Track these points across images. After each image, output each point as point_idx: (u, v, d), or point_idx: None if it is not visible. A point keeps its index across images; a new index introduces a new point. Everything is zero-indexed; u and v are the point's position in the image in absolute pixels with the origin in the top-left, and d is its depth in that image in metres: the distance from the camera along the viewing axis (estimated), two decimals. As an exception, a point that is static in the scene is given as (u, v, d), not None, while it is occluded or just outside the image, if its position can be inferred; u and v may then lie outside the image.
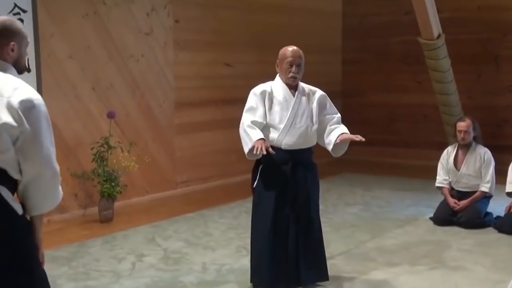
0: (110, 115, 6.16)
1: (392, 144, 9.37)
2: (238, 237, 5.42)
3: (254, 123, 4.01)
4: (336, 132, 4.19)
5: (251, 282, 4.17)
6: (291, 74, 4.07)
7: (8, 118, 2.37)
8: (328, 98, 4.30)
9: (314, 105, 4.18)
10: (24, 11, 5.63)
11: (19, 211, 2.45)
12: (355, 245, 5.21)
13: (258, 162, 4.14)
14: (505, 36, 8.52)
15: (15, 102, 2.41)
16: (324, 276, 4.21)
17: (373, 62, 9.49)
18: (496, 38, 8.57)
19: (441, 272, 4.53)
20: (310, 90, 4.24)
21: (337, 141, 4.16)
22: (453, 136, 6.27)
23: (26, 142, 2.39)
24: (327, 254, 4.39)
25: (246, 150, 3.98)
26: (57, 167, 2.47)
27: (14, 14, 5.54)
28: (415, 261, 4.77)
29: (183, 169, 7.35)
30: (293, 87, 4.14)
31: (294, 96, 4.12)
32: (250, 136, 3.93)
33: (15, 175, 2.40)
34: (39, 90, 5.78)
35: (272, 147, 4.01)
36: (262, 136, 3.94)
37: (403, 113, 9.34)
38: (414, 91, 9.17)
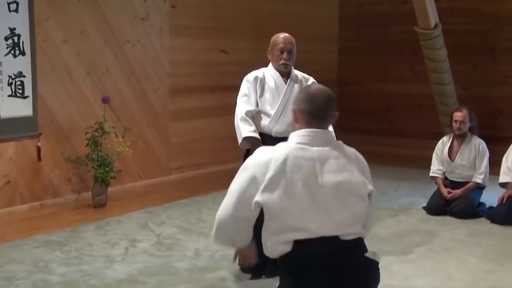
0: (105, 100, 6.14)
1: (388, 133, 9.37)
2: (231, 224, 5.42)
3: (247, 113, 4.07)
4: None
5: (238, 265, 4.20)
6: (282, 61, 4.09)
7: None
8: None
9: None
10: (19, -6, 5.60)
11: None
12: (348, 234, 5.22)
13: (249, 149, 4.15)
14: (502, 27, 8.50)
15: None
16: None
17: (369, 51, 9.46)
18: (493, 29, 8.56)
19: (434, 261, 4.54)
20: (303, 77, 4.24)
21: None
22: (448, 126, 6.28)
23: None
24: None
25: (239, 140, 4.08)
26: None
27: (9, -3, 5.51)
28: (407, 250, 4.79)
29: (177, 155, 7.34)
30: (285, 74, 4.15)
31: (286, 83, 4.13)
32: (240, 130, 4.04)
33: None
34: (34, 73, 5.77)
35: (263, 133, 4.03)
36: (253, 132, 4.01)
37: (399, 102, 9.34)
38: (410, 81, 9.16)
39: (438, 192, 5.91)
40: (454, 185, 5.89)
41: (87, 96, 6.31)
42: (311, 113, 2.55)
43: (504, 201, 5.59)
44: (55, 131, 6.05)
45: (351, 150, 2.64)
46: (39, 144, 5.88)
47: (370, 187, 2.56)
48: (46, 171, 5.97)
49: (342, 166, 2.52)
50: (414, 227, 5.47)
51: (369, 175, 2.65)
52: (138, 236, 5.09)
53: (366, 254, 2.56)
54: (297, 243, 2.43)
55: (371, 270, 2.55)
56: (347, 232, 2.47)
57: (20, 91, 5.68)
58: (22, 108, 5.71)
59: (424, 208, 5.95)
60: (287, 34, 4.14)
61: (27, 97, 5.74)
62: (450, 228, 5.41)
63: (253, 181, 2.48)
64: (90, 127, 6.00)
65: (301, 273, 2.43)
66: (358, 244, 2.52)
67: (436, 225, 5.51)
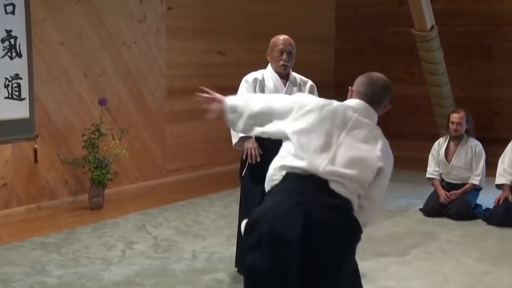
0: (102, 102, 6.14)
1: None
2: (228, 225, 5.42)
3: None
4: None
5: (235, 267, 4.20)
6: (281, 62, 4.07)
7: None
8: (316, 90, 4.30)
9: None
10: (16, -4, 5.59)
11: None
12: (345, 235, 5.22)
13: (245, 160, 4.14)
14: (499, 29, 8.52)
15: None
16: None
17: (366, 52, 9.47)
18: (489, 31, 8.58)
19: (430, 262, 4.55)
20: (302, 80, 4.24)
21: None
22: (445, 128, 6.29)
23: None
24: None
25: (233, 141, 4.07)
26: None
27: (6, -1, 5.51)
28: (404, 251, 4.79)
29: (174, 157, 7.34)
30: (284, 76, 4.14)
31: (285, 85, 4.12)
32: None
33: None
34: (30, 75, 5.76)
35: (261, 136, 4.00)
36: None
37: (396, 104, 9.13)
38: (407, 83, 9.16)
39: (434, 194, 5.92)
40: (450, 187, 5.90)
41: (83, 98, 6.30)
42: (367, 95, 2.73)
43: (500, 202, 5.60)
44: (51, 133, 6.05)
45: (385, 141, 2.76)
46: (36, 146, 5.88)
47: (380, 163, 2.64)
48: (43, 173, 5.97)
49: (368, 139, 2.64)
50: (411, 228, 5.48)
51: (389, 160, 2.77)
52: (135, 238, 5.09)
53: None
54: (287, 175, 2.51)
55: (348, 227, 2.53)
56: (341, 182, 2.50)
57: (16, 93, 5.67)
58: (18, 110, 5.71)
59: (420, 209, 5.96)
60: (286, 36, 4.14)
61: (23, 99, 5.73)
62: (447, 229, 5.42)
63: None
64: (87, 129, 6.00)
65: (282, 202, 2.45)
66: (346, 204, 2.51)
67: (432, 227, 5.52)
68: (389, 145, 2.78)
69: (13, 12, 5.57)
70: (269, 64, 4.20)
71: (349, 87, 2.81)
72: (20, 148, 5.79)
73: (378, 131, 2.76)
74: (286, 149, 2.59)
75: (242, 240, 4.13)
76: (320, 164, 2.49)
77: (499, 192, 5.71)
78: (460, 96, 8.29)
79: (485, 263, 4.55)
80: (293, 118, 2.60)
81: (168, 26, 7.11)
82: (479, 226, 5.52)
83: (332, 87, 9.69)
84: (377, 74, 2.85)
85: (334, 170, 2.49)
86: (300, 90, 4.16)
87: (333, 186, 2.48)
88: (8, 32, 5.56)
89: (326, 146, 2.53)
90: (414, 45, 7.83)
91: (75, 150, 6.11)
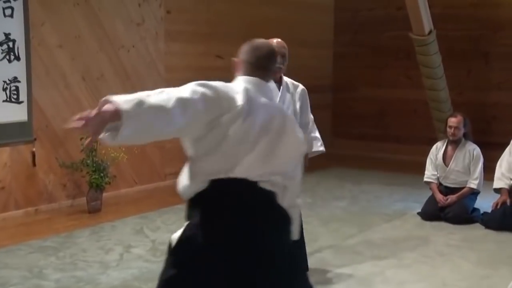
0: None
1: (382, 138, 9.39)
2: (226, 229, 5.41)
3: None
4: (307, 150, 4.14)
5: None
6: (276, 65, 4.04)
7: None
8: (307, 94, 4.27)
9: (297, 101, 4.17)
10: (15, -1, 5.60)
11: None
12: (343, 239, 5.22)
13: None
14: (496, 33, 8.54)
15: None
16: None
17: (364, 56, 9.49)
18: (487, 35, 8.60)
19: (428, 266, 4.55)
20: (293, 84, 4.20)
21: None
22: (443, 132, 6.30)
23: None
24: (315, 248, 4.37)
25: None
26: None
27: (5, 2, 5.50)
28: (402, 255, 4.80)
29: (172, 161, 7.32)
30: (277, 80, 4.11)
31: (279, 90, 4.09)
32: None
33: None
34: (29, 78, 5.76)
35: None
36: None
37: (394, 108, 9.36)
38: (405, 87, 9.19)
39: (432, 198, 5.92)
40: (448, 190, 5.90)
41: (82, 101, 6.30)
42: (251, 63, 2.60)
43: (498, 206, 5.61)
44: (50, 137, 6.04)
45: (292, 117, 2.69)
46: (34, 149, 5.87)
47: (304, 147, 2.61)
48: (41, 177, 5.96)
49: (282, 125, 2.50)
50: (409, 232, 5.48)
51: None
52: (133, 241, 5.08)
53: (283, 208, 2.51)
54: (215, 181, 2.39)
55: (281, 222, 2.50)
56: (267, 180, 2.43)
57: (15, 96, 5.67)
58: (17, 113, 5.70)
59: (418, 213, 5.96)
60: (279, 39, 4.12)
61: (22, 102, 5.73)
62: (445, 233, 5.42)
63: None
64: (85, 132, 5.98)
65: (213, 212, 2.39)
66: (274, 197, 2.46)
67: (430, 231, 5.52)
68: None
69: (11, 15, 5.57)
70: None
71: (232, 59, 2.68)
72: (18, 152, 5.79)
73: (281, 110, 2.64)
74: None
75: None
76: (249, 168, 2.40)
77: (497, 196, 5.72)
78: (458, 100, 8.30)
79: (483, 266, 4.55)
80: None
81: (166, 30, 7.12)
82: (477, 230, 5.52)
83: (330, 91, 9.72)
84: (260, 40, 2.72)
85: (262, 173, 2.42)
86: (292, 96, 4.14)
87: (262, 185, 2.42)
88: (7, 35, 5.56)
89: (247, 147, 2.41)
90: (412, 49, 7.85)
91: (73, 154, 6.11)
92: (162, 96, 2.38)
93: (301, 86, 4.24)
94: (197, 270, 2.38)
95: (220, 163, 2.41)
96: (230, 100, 2.40)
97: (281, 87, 4.11)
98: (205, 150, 2.43)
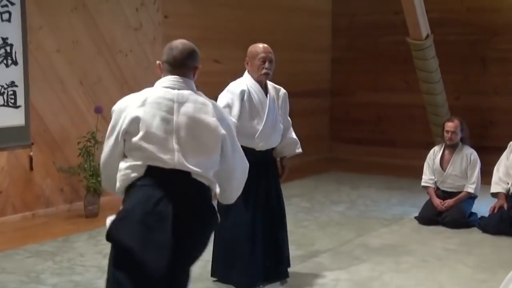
0: (98, 110, 6.14)
1: (380, 143, 9.40)
2: (224, 233, 5.41)
3: None
4: (287, 152, 4.29)
5: (211, 276, 4.23)
6: (264, 71, 4.04)
7: None
8: (288, 97, 4.34)
9: (280, 105, 4.21)
10: (12, 4, 5.59)
11: None
12: (341, 243, 5.22)
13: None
14: (493, 38, 8.57)
15: None
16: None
17: (362, 61, 9.50)
18: (484, 40, 8.62)
19: (426, 271, 4.56)
20: (275, 88, 4.24)
21: (282, 163, 4.32)
22: (440, 136, 6.31)
23: None
24: (312, 252, 4.37)
25: None
26: None
27: (2, 7, 5.51)
28: (400, 259, 4.80)
29: (170, 165, 7.32)
30: (263, 85, 4.12)
31: (266, 96, 4.11)
32: None
33: None
34: (26, 83, 5.77)
35: (245, 147, 3.95)
36: None
37: (391, 112, 9.37)
38: (402, 91, 9.20)
39: (430, 202, 5.93)
40: (446, 195, 5.91)
41: (79, 106, 6.30)
42: (169, 63, 2.87)
43: (495, 211, 5.61)
44: (47, 141, 6.04)
45: (212, 102, 2.92)
46: (31, 153, 5.87)
47: (222, 131, 2.79)
48: (38, 181, 5.96)
49: (198, 108, 2.77)
50: (406, 236, 5.48)
51: (227, 121, 2.91)
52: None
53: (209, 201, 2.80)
54: (149, 169, 2.70)
55: (208, 213, 2.79)
56: (195, 171, 2.70)
57: (12, 101, 5.67)
58: (14, 118, 5.70)
59: (416, 218, 5.96)
60: (265, 44, 4.12)
61: (19, 106, 5.73)
62: (442, 237, 5.43)
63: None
64: (83, 136, 5.99)
65: (146, 200, 2.66)
66: (203, 188, 2.76)
67: (428, 235, 5.52)
68: (216, 104, 2.99)
69: (9, 20, 5.58)
70: (246, 73, 4.15)
71: (157, 62, 2.96)
72: (16, 156, 5.78)
73: (201, 96, 2.89)
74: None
75: (217, 248, 4.14)
76: (171, 159, 2.68)
77: (494, 200, 5.73)
78: (455, 104, 8.32)
79: (481, 271, 4.55)
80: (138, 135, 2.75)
81: (164, 34, 7.12)
82: (474, 234, 5.53)
83: (328, 96, 9.72)
84: (177, 41, 2.94)
85: (184, 165, 2.69)
86: (276, 99, 4.18)
87: (193, 176, 2.71)
88: (4, 39, 5.56)
89: (166, 140, 2.69)
90: (410, 53, 7.87)
91: (71, 158, 6.10)
92: None
93: (283, 90, 4.28)
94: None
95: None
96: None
97: (268, 93, 4.13)
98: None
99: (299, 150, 4.38)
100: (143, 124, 2.71)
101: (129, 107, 2.80)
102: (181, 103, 2.75)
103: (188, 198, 2.71)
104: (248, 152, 3.86)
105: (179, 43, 2.90)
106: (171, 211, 2.63)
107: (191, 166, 2.69)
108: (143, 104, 2.76)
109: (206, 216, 2.79)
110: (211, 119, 2.77)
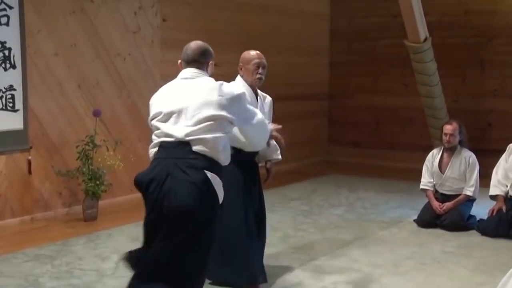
0: (96, 114, 6.14)
1: (378, 146, 9.41)
2: (223, 237, 5.40)
3: None
4: (269, 157, 4.34)
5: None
6: (258, 76, 4.18)
7: None
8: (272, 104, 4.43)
9: (267, 111, 4.29)
10: (11, 7, 5.59)
11: None
12: (339, 246, 5.22)
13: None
14: (491, 41, 8.58)
15: None
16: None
17: (360, 64, 9.52)
18: (482, 43, 8.64)
19: (425, 274, 4.55)
20: (262, 94, 4.36)
21: (266, 165, 4.36)
22: (438, 139, 6.31)
23: None
24: (311, 255, 4.36)
25: None
26: None
27: (1, 10, 5.51)
28: (398, 262, 4.79)
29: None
30: (254, 90, 4.24)
31: (257, 99, 4.22)
32: None
33: None
34: (24, 87, 5.76)
35: (237, 149, 3.94)
36: None
37: (389, 115, 9.38)
38: (401, 94, 9.21)
39: (428, 205, 5.93)
40: (444, 198, 5.91)
41: (78, 109, 6.30)
42: (185, 60, 3.49)
43: (494, 213, 5.61)
44: (45, 145, 6.04)
45: (220, 82, 3.37)
46: (30, 157, 5.86)
47: (223, 113, 3.18)
48: (37, 185, 5.95)
49: (206, 90, 3.26)
50: (405, 239, 5.48)
51: (234, 106, 3.29)
52: (129, 249, 5.06)
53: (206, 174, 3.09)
54: (161, 146, 3.23)
55: (204, 190, 3.05)
56: (196, 145, 3.11)
57: (10, 105, 5.67)
58: (12, 122, 5.70)
59: (415, 220, 5.97)
60: (257, 51, 4.25)
61: (17, 110, 5.72)
62: (441, 240, 5.43)
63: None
64: (81, 140, 5.99)
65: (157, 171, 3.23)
66: (204, 161, 3.09)
67: (427, 238, 5.52)
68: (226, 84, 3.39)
69: (7, 23, 5.58)
70: (239, 78, 4.25)
71: (178, 61, 3.52)
72: (14, 160, 5.78)
73: (212, 81, 3.37)
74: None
75: (226, 250, 4.15)
76: (178, 130, 3.15)
77: (493, 203, 5.73)
78: (453, 107, 8.33)
79: (479, 273, 4.55)
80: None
81: (162, 38, 7.12)
82: (473, 237, 5.53)
83: (326, 99, 9.73)
84: (193, 42, 3.54)
85: (190, 131, 3.11)
86: (263, 104, 4.27)
87: (195, 148, 3.10)
88: (2, 43, 5.56)
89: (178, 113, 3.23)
90: (408, 56, 7.88)
91: (69, 162, 6.10)
92: None
93: (269, 97, 4.39)
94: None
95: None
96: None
97: (258, 97, 4.24)
98: None
99: (280, 157, 4.42)
100: None
101: None
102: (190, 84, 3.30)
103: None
104: (237, 152, 3.90)
105: (193, 43, 3.51)
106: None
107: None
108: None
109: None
110: (216, 99, 3.21)
